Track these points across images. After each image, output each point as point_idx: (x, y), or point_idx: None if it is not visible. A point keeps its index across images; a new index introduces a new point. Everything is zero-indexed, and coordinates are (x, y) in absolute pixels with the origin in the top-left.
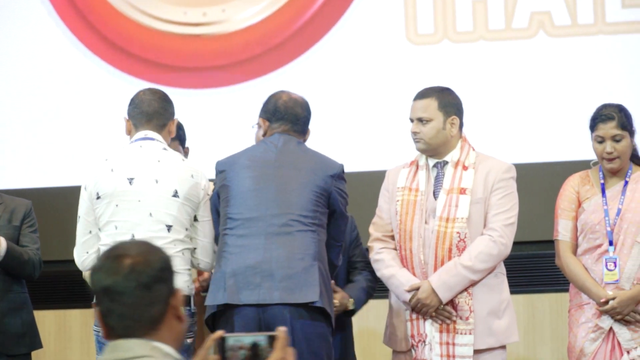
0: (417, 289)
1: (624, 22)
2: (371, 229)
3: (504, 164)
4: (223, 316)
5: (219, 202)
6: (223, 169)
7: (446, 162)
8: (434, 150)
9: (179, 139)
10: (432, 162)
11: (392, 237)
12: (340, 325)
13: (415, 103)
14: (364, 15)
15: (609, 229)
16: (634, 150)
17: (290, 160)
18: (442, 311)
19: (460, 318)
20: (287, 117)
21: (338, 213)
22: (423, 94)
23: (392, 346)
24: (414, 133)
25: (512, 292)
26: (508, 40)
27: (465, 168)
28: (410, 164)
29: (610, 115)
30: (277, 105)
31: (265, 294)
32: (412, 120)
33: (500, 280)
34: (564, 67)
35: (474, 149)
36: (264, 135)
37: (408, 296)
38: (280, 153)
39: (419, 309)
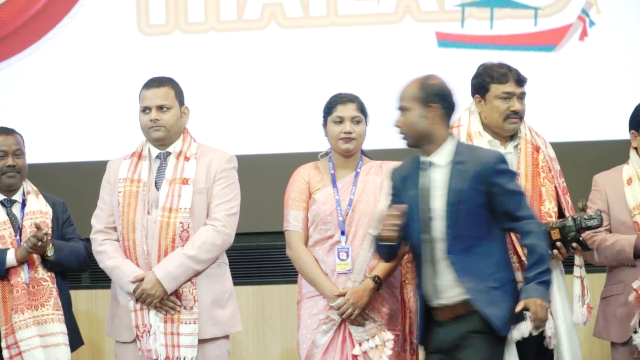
0: (142, 279)
1: (356, 15)
2: (93, 221)
3: (225, 154)
4: None
5: None
6: None
7: (169, 153)
8: (170, 139)
9: None
10: (155, 152)
11: (115, 229)
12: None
13: (151, 91)
14: (96, 5)
15: (340, 219)
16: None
17: None
18: (166, 301)
19: (185, 308)
20: None
21: None
22: (160, 82)
23: (115, 337)
24: (154, 121)
25: (242, 283)
26: (240, 31)
27: (187, 159)
28: (132, 155)
29: (350, 98)
30: None
31: None
32: (148, 109)
33: (224, 270)
34: (296, 58)
35: (195, 140)
36: None
37: (132, 287)
38: None
39: (144, 300)
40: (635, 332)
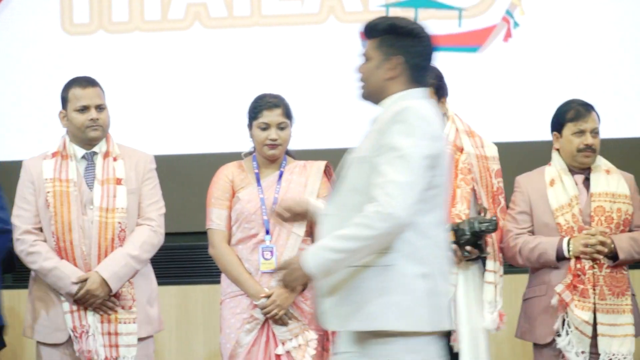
0: (85, 280)
1: (280, 15)
2: (16, 222)
3: (147, 154)
4: None
5: None
6: None
7: (95, 153)
8: (101, 139)
9: None
10: (80, 152)
11: (41, 229)
12: None
13: (89, 90)
14: (20, 3)
15: (265, 218)
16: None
17: None
18: (107, 302)
19: (123, 307)
20: None
21: None
22: (93, 82)
23: (43, 339)
24: (94, 120)
25: (165, 283)
26: (164, 31)
27: (115, 159)
28: (54, 155)
29: (276, 103)
30: None
31: None
32: (87, 109)
33: (150, 269)
34: (220, 58)
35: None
36: None
37: (75, 288)
38: None
39: (86, 300)
40: (558, 335)
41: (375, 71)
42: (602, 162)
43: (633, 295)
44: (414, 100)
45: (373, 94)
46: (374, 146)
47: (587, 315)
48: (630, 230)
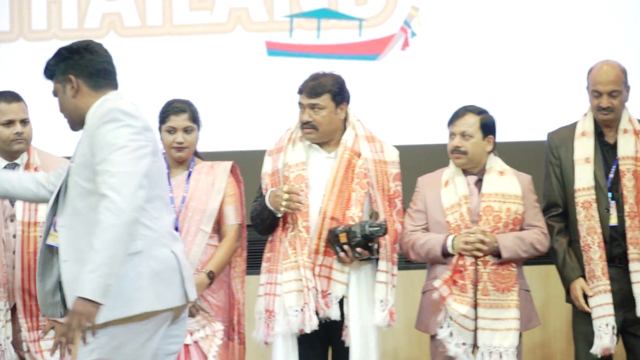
0: None
1: (190, 24)
2: None
3: (61, 159)
4: None
5: None
6: None
7: (17, 164)
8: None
9: None
10: (2, 164)
11: None
12: None
13: (14, 105)
14: None
15: (174, 216)
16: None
17: None
18: None
19: None
20: None
21: None
22: (17, 96)
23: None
24: (19, 134)
25: None
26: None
27: (36, 169)
28: None
29: (182, 108)
30: None
31: None
32: (12, 123)
33: None
34: (134, 67)
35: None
36: None
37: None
38: None
39: None
40: (441, 327)
41: (69, 100)
42: (496, 164)
43: (527, 290)
44: (114, 102)
45: (76, 121)
46: (89, 150)
47: (465, 309)
48: (521, 229)
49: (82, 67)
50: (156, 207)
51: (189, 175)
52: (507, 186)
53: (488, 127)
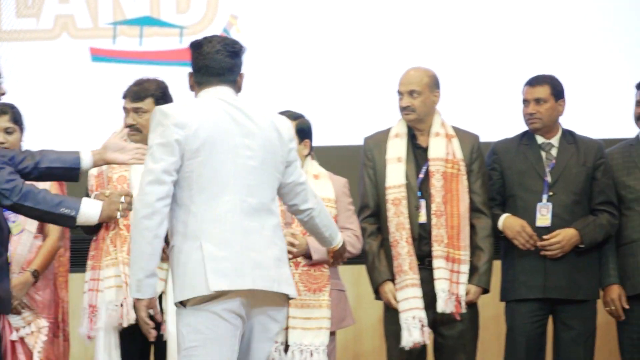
0: None
1: (17, 31)
2: None
3: None
4: None
5: None
6: None
7: None
8: None
9: None
10: None
11: None
12: None
13: None
14: None
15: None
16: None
17: None
18: None
19: None
20: None
21: None
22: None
23: None
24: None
25: None
26: None
27: None
28: None
29: (4, 110)
30: None
31: None
32: None
33: None
34: None
35: None
36: None
37: None
38: None
39: None
40: None
41: None
42: (312, 167)
43: (342, 290)
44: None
45: None
46: None
47: None
48: None
49: (195, 66)
50: (201, 202)
51: None
52: (320, 190)
53: (304, 132)
